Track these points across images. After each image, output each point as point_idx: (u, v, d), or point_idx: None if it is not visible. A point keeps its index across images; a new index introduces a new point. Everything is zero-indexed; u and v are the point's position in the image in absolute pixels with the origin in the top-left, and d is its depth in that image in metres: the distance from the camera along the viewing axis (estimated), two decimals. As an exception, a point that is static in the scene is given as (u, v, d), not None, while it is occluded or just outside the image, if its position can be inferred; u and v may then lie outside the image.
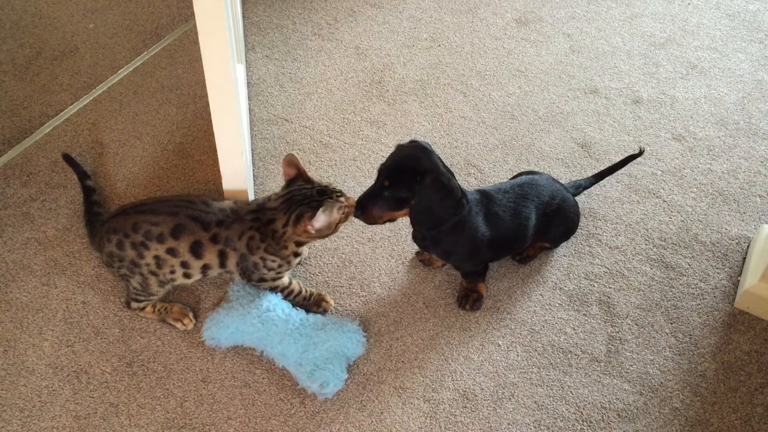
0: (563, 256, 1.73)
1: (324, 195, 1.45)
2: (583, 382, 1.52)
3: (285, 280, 1.55)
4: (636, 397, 1.50)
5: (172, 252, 1.44)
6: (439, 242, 1.48)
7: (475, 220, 1.45)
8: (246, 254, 1.46)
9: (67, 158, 1.78)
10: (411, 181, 1.36)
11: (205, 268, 1.48)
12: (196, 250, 1.44)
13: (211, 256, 1.46)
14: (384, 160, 1.42)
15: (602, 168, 1.85)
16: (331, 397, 1.46)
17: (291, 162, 1.47)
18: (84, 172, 1.76)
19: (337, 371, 1.44)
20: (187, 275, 1.48)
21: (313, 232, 1.42)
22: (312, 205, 1.42)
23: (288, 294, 1.56)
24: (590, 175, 1.82)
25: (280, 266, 1.50)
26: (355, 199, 1.44)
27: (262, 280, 1.51)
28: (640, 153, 1.74)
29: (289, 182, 1.48)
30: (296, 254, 1.50)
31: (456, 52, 2.28)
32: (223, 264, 1.48)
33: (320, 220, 1.40)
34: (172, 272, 1.47)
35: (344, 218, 1.47)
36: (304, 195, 1.44)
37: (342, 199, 1.46)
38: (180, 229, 1.43)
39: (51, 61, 2.18)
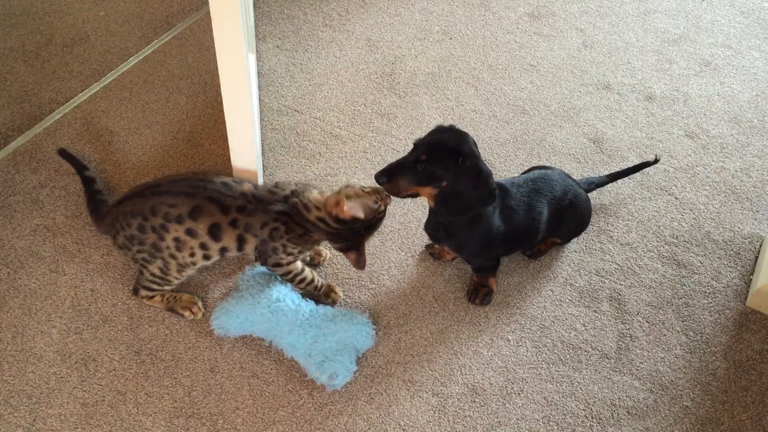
0: (574, 252, 1.72)
1: (369, 229, 1.46)
2: (593, 378, 1.51)
3: (299, 265, 1.54)
4: (646, 394, 1.49)
5: (191, 233, 1.43)
6: (453, 234, 1.47)
7: (491, 214, 1.44)
8: (266, 240, 1.46)
9: (63, 153, 1.79)
10: (450, 160, 1.33)
11: (223, 250, 1.47)
12: (215, 233, 1.43)
13: (229, 240, 1.45)
14: (398, 153, 1.41)
15: (613, 164, 1.84)
16: (339, 389, 1.46)
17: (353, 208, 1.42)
18: (81, 164, 1.76)
19: (347, 363, 1.43)
20: (206, 257, 1.47)
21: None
22: (356, 241, 1.46)
23: (300, 282, 1.54)
24: (603, 172, 1.80)
25: (300, 252, 1.50)
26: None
27: (278, 264, 1.50)
28: (656, 161, 1.73)
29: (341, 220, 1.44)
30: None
31: (468, 46, 2.27)
32: (240, 248, 1.47)
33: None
34: (192, 255, 1.46)
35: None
36: (350, 231, 1.45)
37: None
38: (198, 210, 1.42)
39: (61, 48, 2.17)
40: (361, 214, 1.40)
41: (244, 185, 1.47)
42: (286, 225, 1.44)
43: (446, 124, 1.43)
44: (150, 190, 1.48)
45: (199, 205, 1.42)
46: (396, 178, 1.36)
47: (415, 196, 1.41)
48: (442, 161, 1.34)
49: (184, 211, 1.41)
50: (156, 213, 1.43)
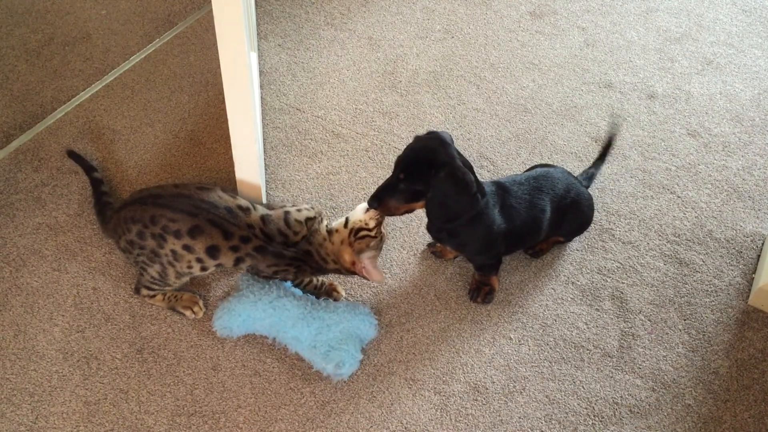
0: (576, 251, 1.72)
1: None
2: (594, 377, 1.51)
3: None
4: (648, 393, 1.49)
5: (188, 248, 1.43)
6: (456, 234, 1.47)
7: (492, 213, 1.44)
8: (264, 269, 1.48)
9: (72, 154, 1.80)
10: (425, 174, 1.35)
11: (219, 265, 1.47)
12: (212, 253, 1.43)
13: (226, 259, 1.45)
14: (400, 151, 1.41)
15: (615, 162, 1.85)
16: (346, 378, 1.46)
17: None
18: (90, 165, 1.76)
19: (352, 351, 1.43)
20: (203, 269, 1.48)
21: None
22: None
23: (299, 283, 1.55)
24: (604, 171, 1.81)
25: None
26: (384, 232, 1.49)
27: (269, 277, 1.51)
28: (615, 125, 1.75)
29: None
30: None
31: (469, 44, 2.27)
32: (236, 264, 1.47)
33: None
34: (189, 267, 1.46)
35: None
36: None
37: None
38: (198, 230, 1.41)
39: (63, 46, 2.17)
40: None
41: (251, 215, 1.46)
42: (297, 269, 1.47)
43: (420, 132, 1.44)
44: (151, 199, 1.47)
45: (200, 226, 1.41)
46: (385, 200, 1.39)
47: (411, 211, 1.44)
48: (419, 176, 1.35)
49: (183, 227, 1.41)
50: (155, 223, 1.42)
